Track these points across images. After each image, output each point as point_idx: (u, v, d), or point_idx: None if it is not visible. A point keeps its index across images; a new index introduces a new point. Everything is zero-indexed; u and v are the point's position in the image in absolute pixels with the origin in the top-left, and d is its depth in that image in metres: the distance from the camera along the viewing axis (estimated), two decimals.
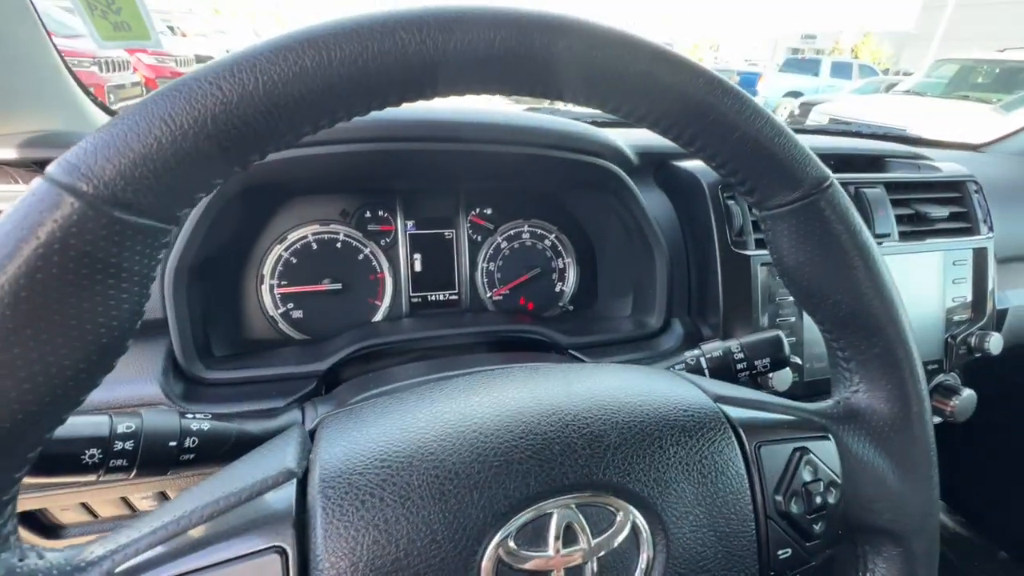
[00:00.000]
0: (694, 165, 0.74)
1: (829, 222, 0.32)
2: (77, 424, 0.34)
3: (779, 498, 0.33)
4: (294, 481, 0.27)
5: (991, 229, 0.84)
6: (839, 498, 0.34)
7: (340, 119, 0.25)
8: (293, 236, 0.71)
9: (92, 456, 0.34)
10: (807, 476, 0.33)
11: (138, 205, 0.21)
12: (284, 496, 0.26)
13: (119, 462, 0.35)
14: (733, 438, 0.33)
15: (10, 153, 0.55)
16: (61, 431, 0.34)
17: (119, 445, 0.35)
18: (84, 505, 0.58)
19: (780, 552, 0.32)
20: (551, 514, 0.28)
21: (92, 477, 0.34)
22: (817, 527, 0.33)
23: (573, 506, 0.28)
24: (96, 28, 0.69)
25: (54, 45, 0.67)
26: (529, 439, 0.29)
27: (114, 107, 0.79)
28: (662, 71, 0.27)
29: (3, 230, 0.19)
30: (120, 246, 0.21)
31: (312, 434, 0.32)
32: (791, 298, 0.71)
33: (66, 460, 0.33)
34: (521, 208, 0.81)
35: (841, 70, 12.41)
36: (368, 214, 0.74)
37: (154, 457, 0.36)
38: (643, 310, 0.76)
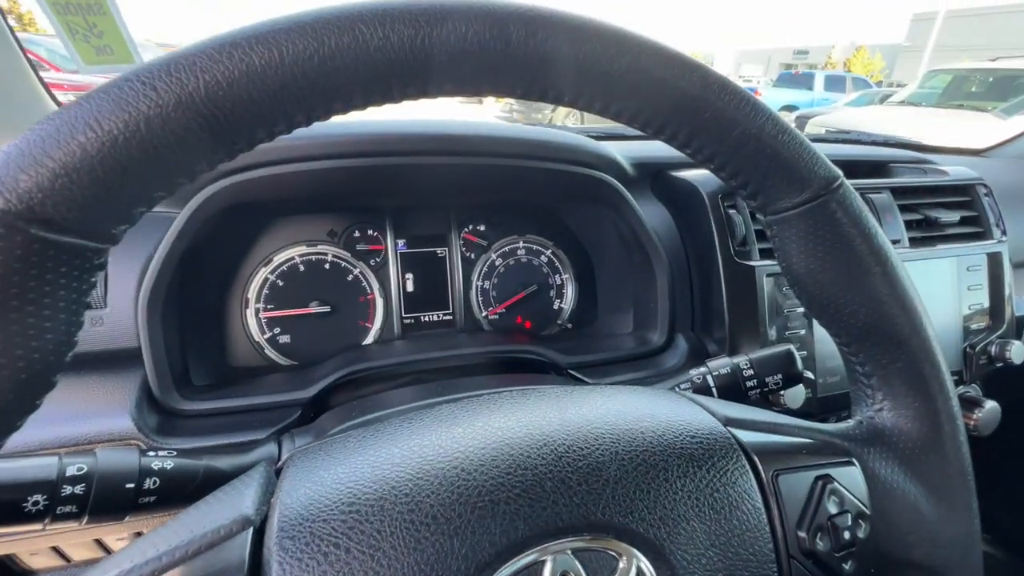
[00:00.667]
0: (692, 174, 0.72)
1: (841, 224, 0.30)
2: (19, 467, 0.31)
3: (802, 534, 0.29)
4: (250, 531, 0.24)
5: (1004, 233, 0.81)
6: (869, 532, 0.30)
7: (299, 123, 0.22)
8: (279, 258, 0.69)
9: (36, 503, 0.31)
10: (832, 508, 0.30)
11: (61, 221, 0.18)
12: (237, 549, 0.23)
13: (68, 508, 0.32)
14: (747, 467, 0.30)
15: None
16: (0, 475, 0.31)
17: (68, 489, 0.32)
18: (55, 549, 0.54)
19: None
20: (544, 562, 0.24)
21: (37, 526, 0.31)
22: (847, 566, 0.29)
23: (569, 552, 0.25)
24: (79, 52, 0.68)
25: (34, 69, 0.66)
26: (517, 475, 0.26)
27: None
28: (652, 65, 0.25)
29: None
30: (40, 268, 0.18)
31: (280, 473, 0.29)
32: (800, 309, 0.68)
33: (5, 508, 0.30)
34: (515, 223, 0.79)
35: (835, 83, 12.54)
36: (357, 233, 0.72)
37: (108, 501, 0.33)
38: (645, 326, 0.73)
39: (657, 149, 0.81)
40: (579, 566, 0.24)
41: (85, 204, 0.19)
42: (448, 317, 0.77)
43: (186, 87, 0.19)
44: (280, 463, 0.30)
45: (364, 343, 0.73)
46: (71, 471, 0.32)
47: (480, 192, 0.73)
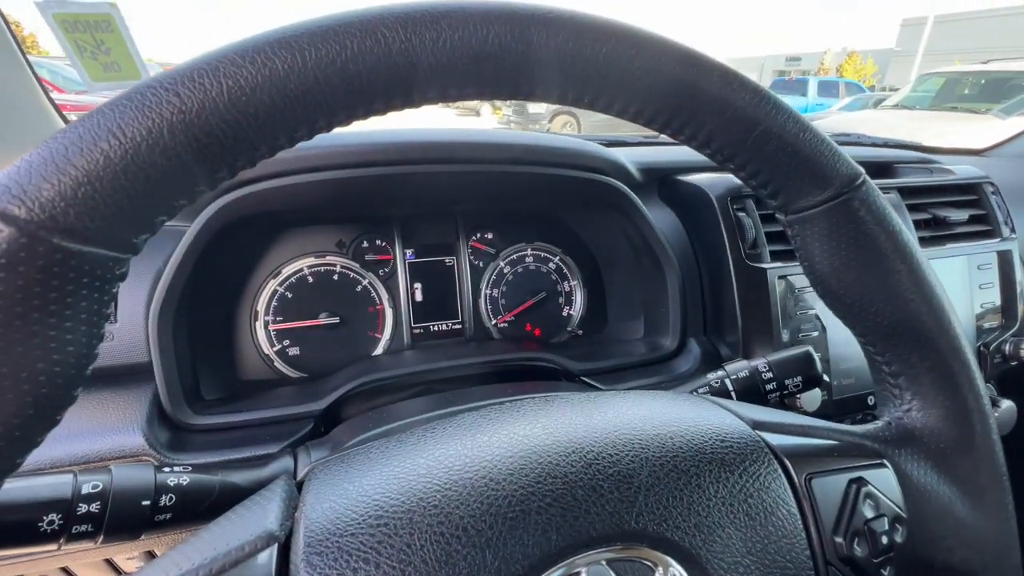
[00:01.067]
0: (700, 178, 0.72)
1: (864, 223, 0.29)
2: (34, 486, 0.30)
3: (839, 540, 0.28)
4: (275, 547, 0.23)
5: (1013, 230, 0.81)
6: (906, 536, 0.30)
7: (319, 129, 0.22)
8: (288, 270, 0.68)
9: (51, 522, 0.30)
10: (868, 512, 0.29)
11: (83, 231, 0.18)
12: (263, 565, 0.22)
13: (83, 527, 0.31)
14: (779, 471, 0.29)
15: None
16: (14, 494, 0.30)
17: (83, 508, 0.31)
18: (65, 570, 0.53)
19: None
20: (578, 573, 0.24)
21: (52, 546, 0.30)
22: (886, 572, 0.29)
23: (603, 562, 0.24)
24: (86, 69, 0.69)
25: (43, 88, 0.66)
26: (547, 483, 0.26)
27: None
28: (671, 65, 0.25)
29: None
30: (62, 279, 0.18)
31: (301, 486, 0.28)
32: (812, 312, 0.67)
33: (19, 529, 0.29)
34: (523, 231, 0.79)
35: (828, 89, 12.63)
36: (365, 244, 0.72)
37: (124, 519, 0.32)
38: (657, 331, 0.72)
39: (663, 154, 0.81)
40: None
41: (108, 213, 0.18)
42: (457, 326, 0.76)
43: (209, 93, 0.19)
44: (300, 477, 0.29)
45: (374, 354, 0.72)
46: (86, 489, 0.31)
47: (489, 199, 0.73)
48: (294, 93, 0.20)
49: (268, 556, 0.23)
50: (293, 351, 0.69)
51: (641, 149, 0.83)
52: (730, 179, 0.70)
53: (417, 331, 0.75)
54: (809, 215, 0.30)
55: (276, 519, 0.25)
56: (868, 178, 0.30)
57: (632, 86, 0.25)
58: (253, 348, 0.67)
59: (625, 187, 0.66)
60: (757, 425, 0.32)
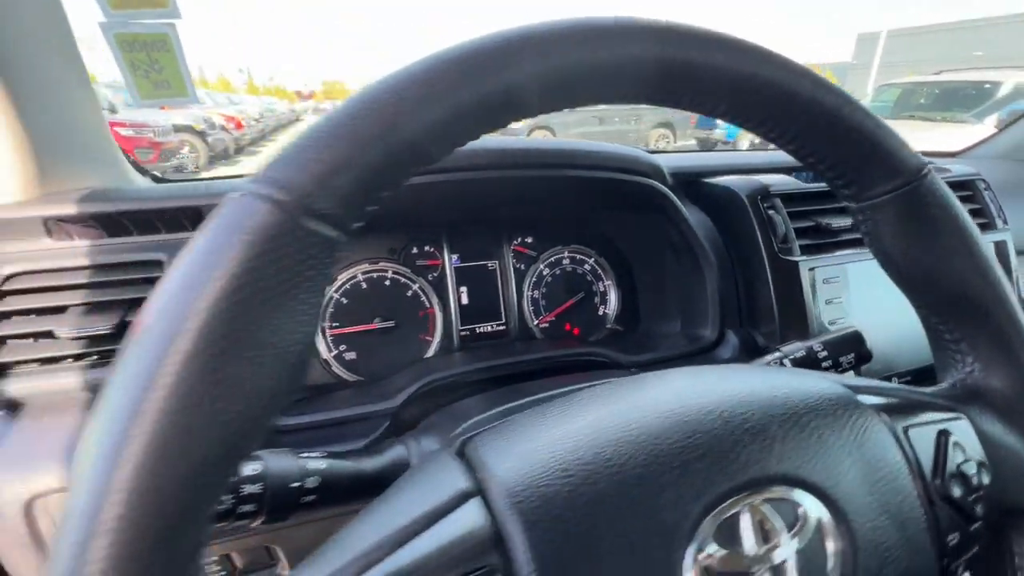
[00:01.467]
0: (728, 180, 0.77)
1: (931, 207, 0.33)
2: None
3: (938, 482, 0.32)
4: (479, 498, 0.26)
5: (1006, 223, 0.88)
6: (992, 478, 0.34)
7: (499, 127, 0.25)
8: (343, 277, 0.70)
9: (222, 503, 0.32)
10: (959, 457, 0.33)
11: (325, 216, 0.20)
12: (473, 515, 0.25)
13: (248, 507, 0.33)
14: (881, 423, 0.33)
15: (68, 209, 0.54)
16: None
17: (247, 489, 0.33)
18: None
19: (950, 537, 0.32)
20: (739, 512, 0.27)
21: (220, 526, 0.32)
22: (978, 509, 0.33)
23: (759, 502, 0.27)
24: (138, 87, 0.70)
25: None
26: (698, 438, 0.29)
27: None
28: (769, 71, 0.28)
29: (207, 245, 0.19)
30: (313, 257, 0.20)
31: (460, 457, 0.31)
32: (839, 300, 0.72)
33: None
34: (560, 234, 0.82)
35: None
36: (415, 250, 0.74)
37: (280, 500, 0.34)
38: (694, 324, 0.76)
39: (684, 159, 0.86)
40: (772, 513, 0.27)
41: (345, 201, 0.21)
42: (501, 327, 0.79)
43: (422, 95, 0.22)
44: (456, 450, 0.32)
45: (426, 356, 0.74)
46: (247, 471, 0.33)
47: (532, 204, 0.76)
48: (495, 95, 0.23)
49: (474, 506, 0.25)
50: (350, 355, 0.70)
51: (659, 156, 0.88)
52: (756, 180, 0.75)
53: (464, 333, 0.77)
54: (879, 202, 0.34)
55: (463, 479, 0.27)
56: (932, 168, 0.34)
57: (739, 92, 0.29)
58: (312, 353, 0.69)
59: (667, 189, 0.70)
60: (847, 387, 0.35)
